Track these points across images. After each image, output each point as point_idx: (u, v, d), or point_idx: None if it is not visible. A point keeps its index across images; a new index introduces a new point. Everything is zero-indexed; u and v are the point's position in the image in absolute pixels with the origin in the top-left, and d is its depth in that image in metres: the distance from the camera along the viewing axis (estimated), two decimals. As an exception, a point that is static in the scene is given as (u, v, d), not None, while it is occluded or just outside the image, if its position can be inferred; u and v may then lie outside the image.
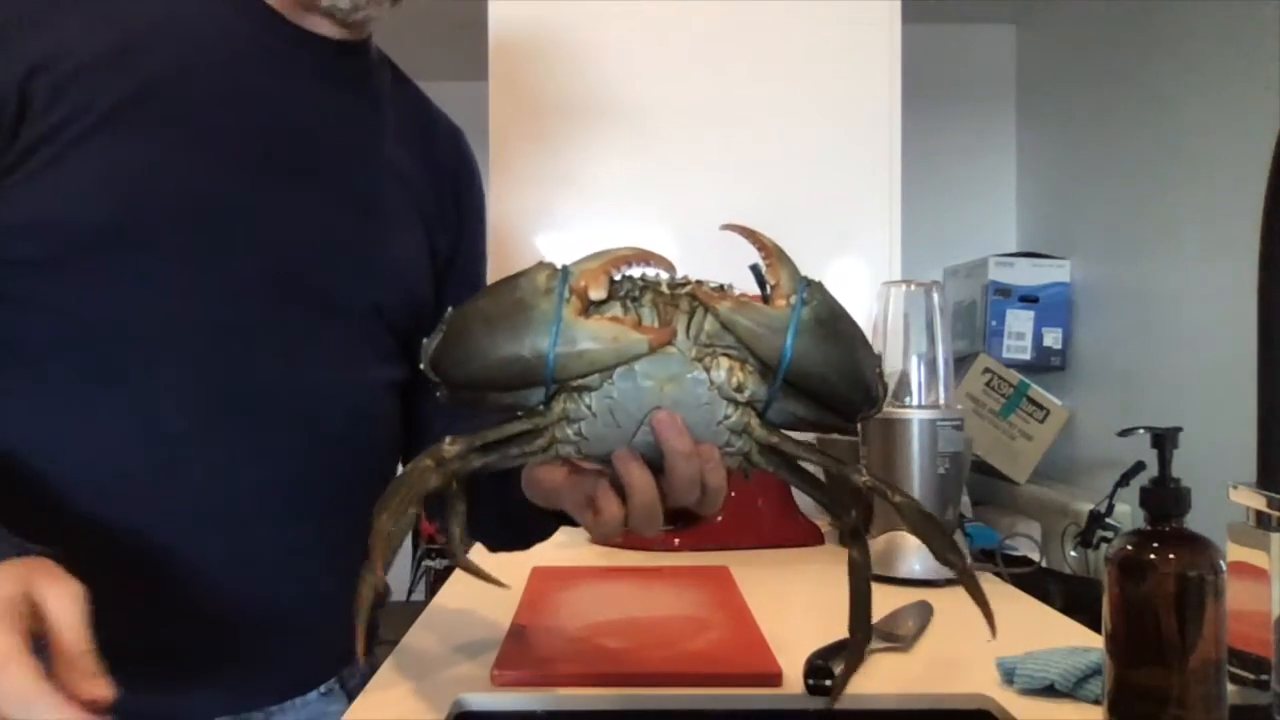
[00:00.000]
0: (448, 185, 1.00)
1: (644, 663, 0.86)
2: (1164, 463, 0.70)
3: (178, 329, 0.79)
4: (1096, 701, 0.78)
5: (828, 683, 0.80)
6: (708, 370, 0.62)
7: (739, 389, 0.63)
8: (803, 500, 1.57)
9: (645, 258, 0.62)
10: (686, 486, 0.64)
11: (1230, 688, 0.69)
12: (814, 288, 0.63)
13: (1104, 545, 1.66)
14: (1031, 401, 2.16)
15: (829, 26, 1.70)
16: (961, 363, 2.18)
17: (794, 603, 1.12)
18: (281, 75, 0.86)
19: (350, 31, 0.89)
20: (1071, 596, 1.35)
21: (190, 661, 0.81)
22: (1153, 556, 0.67)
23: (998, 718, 0.80)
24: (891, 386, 1.29)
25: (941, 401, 1.27)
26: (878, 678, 0.84)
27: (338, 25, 0.88)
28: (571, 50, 1.67)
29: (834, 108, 1.70)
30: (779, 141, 1.70)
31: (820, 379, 0.63)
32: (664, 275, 0.64)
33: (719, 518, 1.44)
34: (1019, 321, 2.30)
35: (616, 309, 0.62)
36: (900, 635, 0.94)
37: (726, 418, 0.64)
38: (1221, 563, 0.67)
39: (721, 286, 0.64)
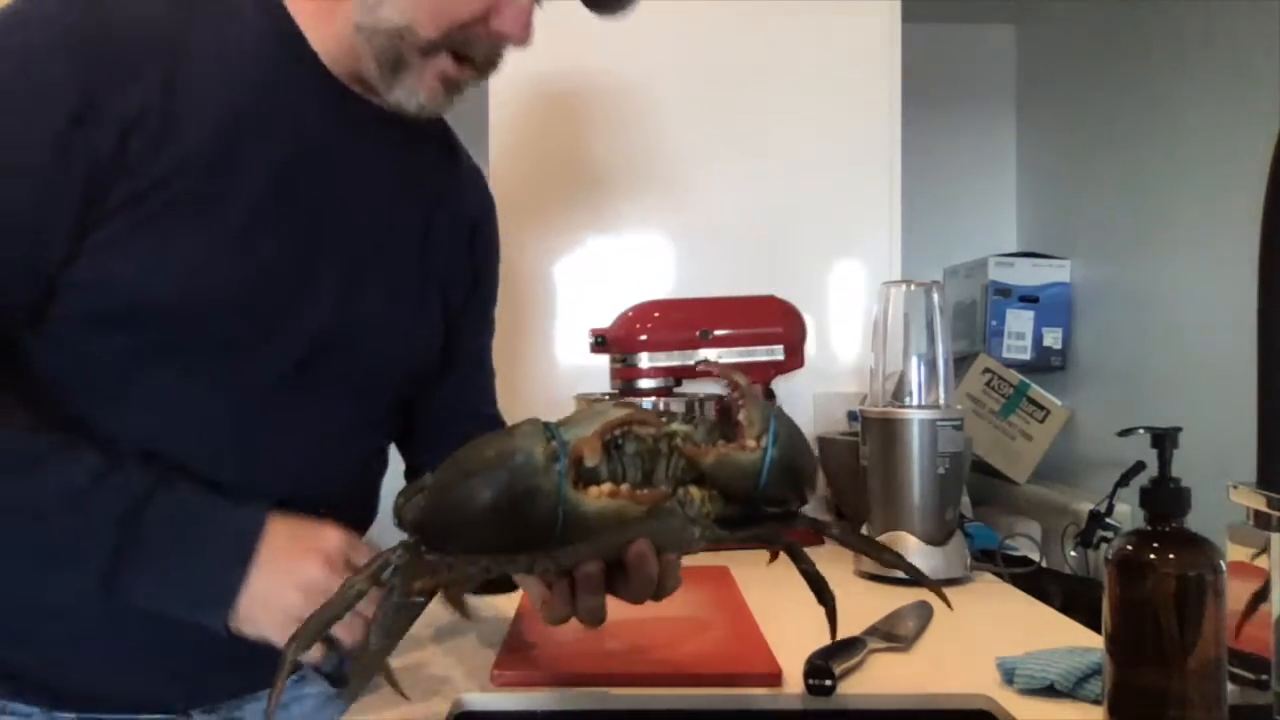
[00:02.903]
0: (465, 235, 1.00)
1: (644, 663, 0.86)
2: (1164, 463, 0.70)
3: (201, 400, 0.81)
4: (1096, 701, 0.78)
5: (828, 683, 0.80)
6: (682, 505, 0.67)
7: (708, 515, 0.67)
8: (803, 500, 1.57)
9: (634, 421, 0.65)
10: (646, 593, 0.69)
11: (1230, 688, 0.69)
12: (780, 424, 0.67)
13: (1104, 545, 1.65)
14: (1031, 401, 2.15)
15: (829, 26, 1.70)
16: (961, 363, 2.18)
17: (794, 603, 1.12)
18: (342, 155, 0.86)
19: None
20: (1071, 596, 1.34)
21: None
22: (1153, 556, 0.67)
23: (998, 718, 0.80)
24: (891, 386, 1.29)
25: (941, 401, 1.26)
26: (878, 678, 0.84)
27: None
28: (571, 50, 1.67)
29: (834, 108, 1.70)
30: (779, 142, 1.70)
31: (776, 499, 0.69)
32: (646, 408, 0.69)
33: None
34: (1019, 321, 2.30)
35: (604, 465, 0.64)
36: (900, 635, 0.94)
37: (692, 535, 0.68)
38: (1221, 563, 0.67)
39: (690, 410, 0.68)
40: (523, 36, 0.84)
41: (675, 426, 0.67)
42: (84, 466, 0.74)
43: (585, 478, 0.63)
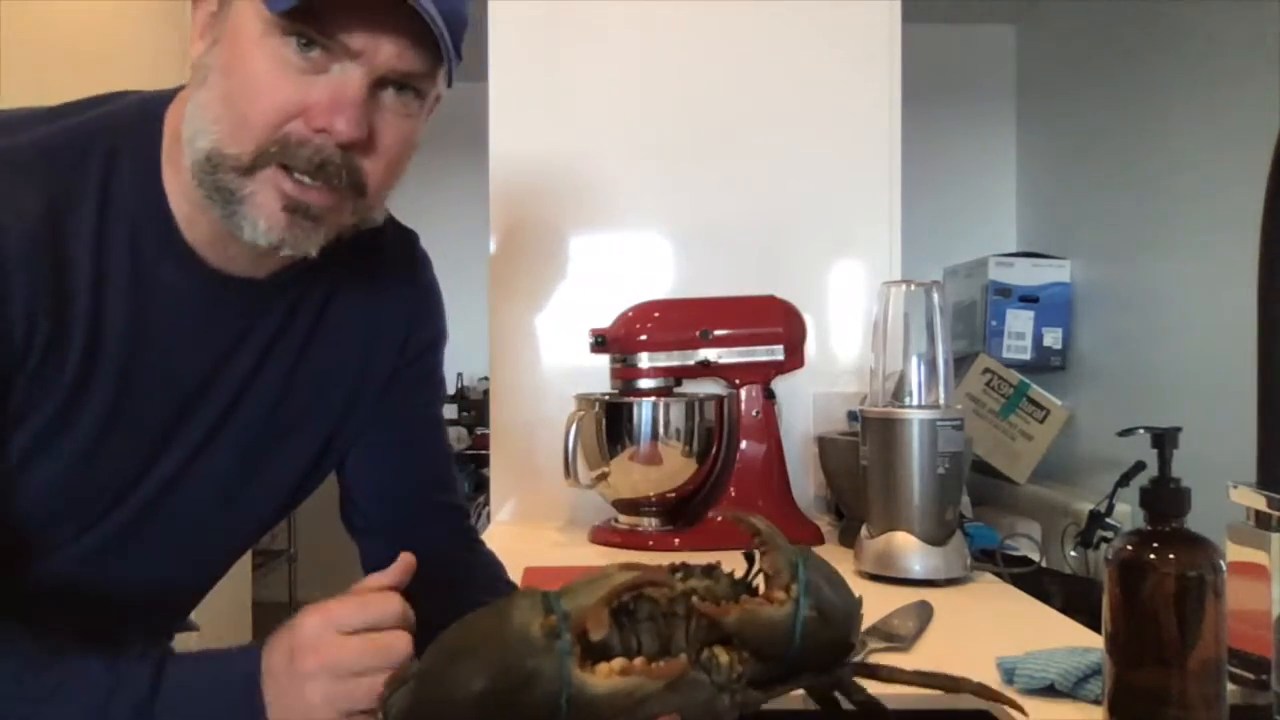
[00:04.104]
0: (396, 337, 0.95)
1: (644, 662, 0.85)
2: (1164, 463, 0.70)
3: (63, 549, 0.82)
4: (1096, 701, 0.78)
5: (828, 683, 0.79)
6: (708, 670, 0.59)
7: (739, 678, 0.60)
8: (802, 498, 1.57)
9: (641, 585, 0.58)
10: None
11: (1230, 688, 0.69)
12: (810, 570, 0.60)
13: (1104, 545, 1.66)
14: (1031, 401, 2.16)
15: (829, 26, 1.70)
16: (961, 363, 2.18)
17: (794, 603, 1.12)
18: (200, 338, 0.83)
19: (278, 264, 0.82)
20: (1071, 596, 1.35)
21: None
22: (1153, 556, 0.67)
23: (998, 718, 0.80)
24: (891, 386, 1.29)
25: (941, 401, 1.26)
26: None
27: (263, 257, 0.80)
28: (571, 50, 1.67)
29: (834, 108, 1.70)
30: (779, 142, 1.70)
31: (815, 652, 0.62)
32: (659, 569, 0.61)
33: (719, 517, 1.44)
34: (1019, 321, 2.30)
35: (614, 634, 0.58)
36: (900, 635, 0.94)
37: (723, 705, 0.60)
38: (1221, 563, 0.67)
39: (710, 569, 0.62)
40: (346, 130, 0.72)
41: (693, 583, 0.60)
42: (90, 683, 0.71)
43: (594, 651, 0.56)
